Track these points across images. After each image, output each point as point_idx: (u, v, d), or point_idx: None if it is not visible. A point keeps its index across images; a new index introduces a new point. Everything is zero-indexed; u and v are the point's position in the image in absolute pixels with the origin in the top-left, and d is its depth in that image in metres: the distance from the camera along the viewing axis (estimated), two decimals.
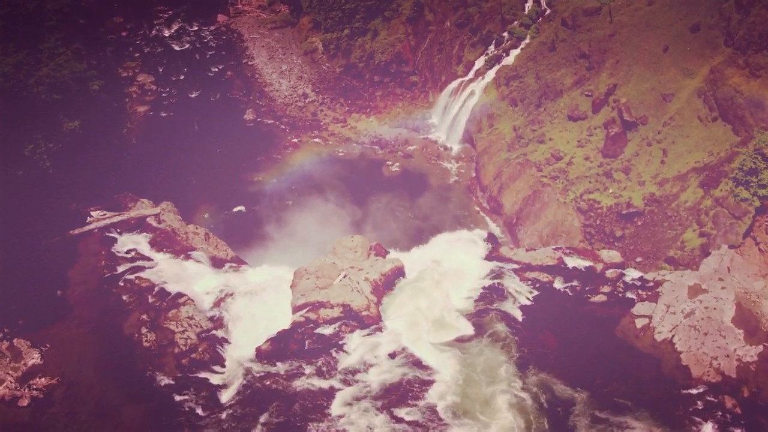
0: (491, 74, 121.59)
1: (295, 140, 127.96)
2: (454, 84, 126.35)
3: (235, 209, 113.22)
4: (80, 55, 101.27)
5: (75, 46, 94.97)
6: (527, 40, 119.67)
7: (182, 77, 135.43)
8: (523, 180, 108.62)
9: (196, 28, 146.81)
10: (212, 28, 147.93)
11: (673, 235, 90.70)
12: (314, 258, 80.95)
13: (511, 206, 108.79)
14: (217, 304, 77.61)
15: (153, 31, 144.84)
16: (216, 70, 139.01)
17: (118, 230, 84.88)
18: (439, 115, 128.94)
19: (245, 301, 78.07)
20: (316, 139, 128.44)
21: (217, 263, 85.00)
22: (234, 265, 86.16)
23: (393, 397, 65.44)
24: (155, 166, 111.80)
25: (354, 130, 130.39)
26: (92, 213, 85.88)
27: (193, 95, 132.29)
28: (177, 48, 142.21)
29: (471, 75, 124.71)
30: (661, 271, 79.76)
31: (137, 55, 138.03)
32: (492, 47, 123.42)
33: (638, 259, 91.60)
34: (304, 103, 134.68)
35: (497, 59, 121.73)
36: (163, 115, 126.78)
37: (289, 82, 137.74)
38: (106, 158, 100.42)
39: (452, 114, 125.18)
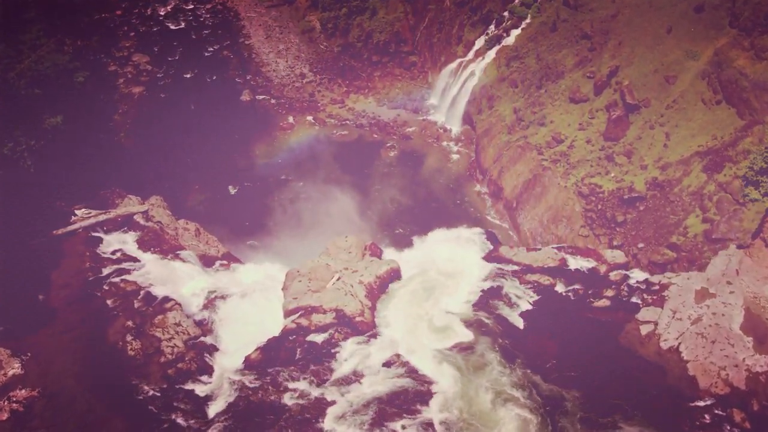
0: (491, 54, 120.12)
1: (292, 121, 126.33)
2: (453, 64, 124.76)
3: (231, 191, 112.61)
4: (64, 46, 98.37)
5: (58, 36, 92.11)
6: (528, 20, 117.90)
7: (177, 57, 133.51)
8: (524, 163, 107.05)
9: (191, 7, 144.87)
10: (208, 6, 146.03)
11: (675, 221, 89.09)
12: (307, 258, 78.51)
13: (511, 190, 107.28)
14: (206, 307, 74.74)
15: (148, 10, 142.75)
16: (212, 49, 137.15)
17: (105, 229, 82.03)
18: (439, 96, 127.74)
19: (235, 304, 75.36)
20: (314, 120, 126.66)
21: (207, 262, 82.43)
22: (224, 263, 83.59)
23: (388, 409, 62.81)
24: (148, 155, 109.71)
25: (352, 111, 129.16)
26: (77, 212, 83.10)
27: (188, 75, 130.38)
28: (173, 27, 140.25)
29: (471, 55, 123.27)
30: (667, 273, 77.32)
31: (132, 34, 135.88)
32: (492, 27, 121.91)
33: (640, 245, 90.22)
34: (301, 83, 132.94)
35: (497, 39, 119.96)
36: (159, 96, 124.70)
37: (287, 61, 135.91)
38: (92, 153, 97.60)
39: (452, 95, 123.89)
